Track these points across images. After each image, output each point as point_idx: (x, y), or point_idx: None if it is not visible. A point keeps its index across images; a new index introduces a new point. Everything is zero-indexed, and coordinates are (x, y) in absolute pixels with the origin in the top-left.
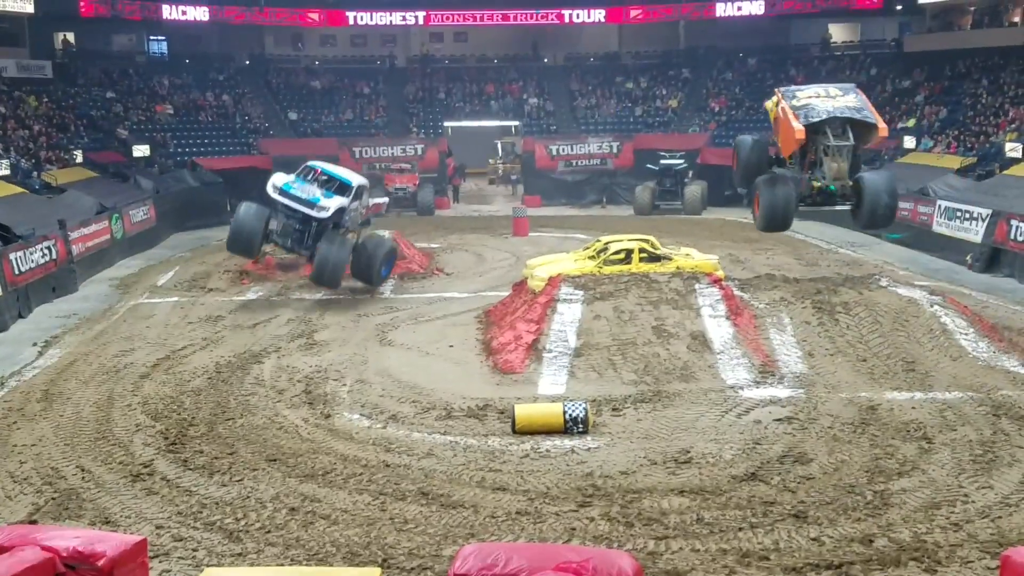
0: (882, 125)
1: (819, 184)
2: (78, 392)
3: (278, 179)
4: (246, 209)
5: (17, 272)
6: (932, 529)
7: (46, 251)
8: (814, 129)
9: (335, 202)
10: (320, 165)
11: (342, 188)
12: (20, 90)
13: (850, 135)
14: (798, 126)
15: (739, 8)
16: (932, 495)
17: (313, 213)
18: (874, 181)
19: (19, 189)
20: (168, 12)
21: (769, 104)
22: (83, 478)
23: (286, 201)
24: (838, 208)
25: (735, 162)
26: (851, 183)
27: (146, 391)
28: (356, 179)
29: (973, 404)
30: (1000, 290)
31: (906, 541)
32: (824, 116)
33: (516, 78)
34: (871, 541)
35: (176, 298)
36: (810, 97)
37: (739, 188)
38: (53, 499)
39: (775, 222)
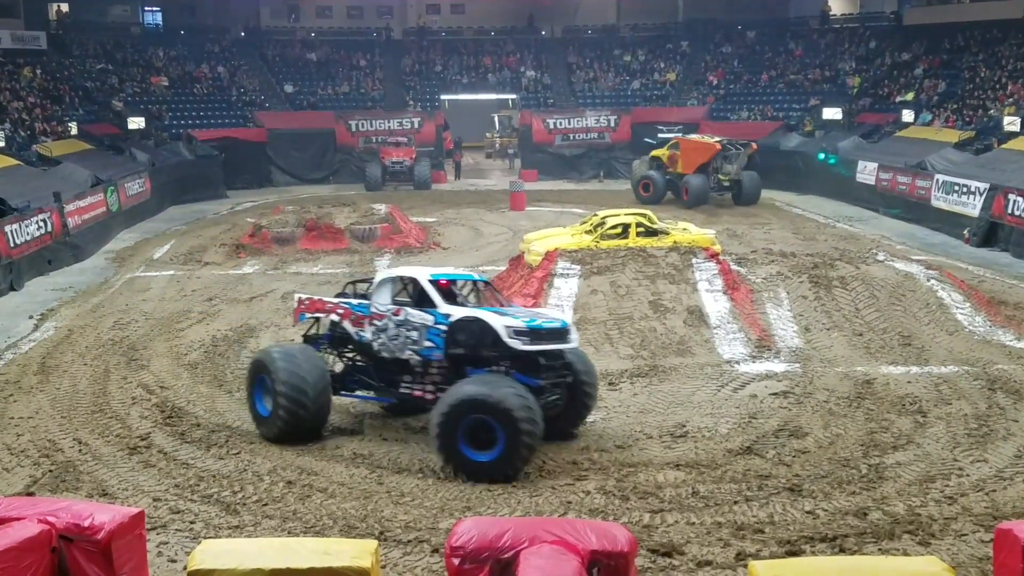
0: (754, 145)
1: (724, 178)
2: (75, 365)
3: (505, 320)
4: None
5: (12, 245)
6: (927, 502)
7: (41, 224)
8: (723, 147)
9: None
10: (434, 272)
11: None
12: (14, 61)
13: (739, 149)
14: (713, 142)
15: None
16: (927, 468)
17: (574, 343)
18: (750, 177)
19: (14, 161)
20: None
21: (661, 151)
22: (80, 451)
23: (544, 347)
24: (726, 195)
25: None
26: (736, 179)
27: (142, 364)
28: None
29: (968, 378)
30: (997, 264)
31: (900, 514)
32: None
33: (513, 51)
34: (866, 514)
35: (172, 271)
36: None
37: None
38: (50, 471)
39: (698, 200)
